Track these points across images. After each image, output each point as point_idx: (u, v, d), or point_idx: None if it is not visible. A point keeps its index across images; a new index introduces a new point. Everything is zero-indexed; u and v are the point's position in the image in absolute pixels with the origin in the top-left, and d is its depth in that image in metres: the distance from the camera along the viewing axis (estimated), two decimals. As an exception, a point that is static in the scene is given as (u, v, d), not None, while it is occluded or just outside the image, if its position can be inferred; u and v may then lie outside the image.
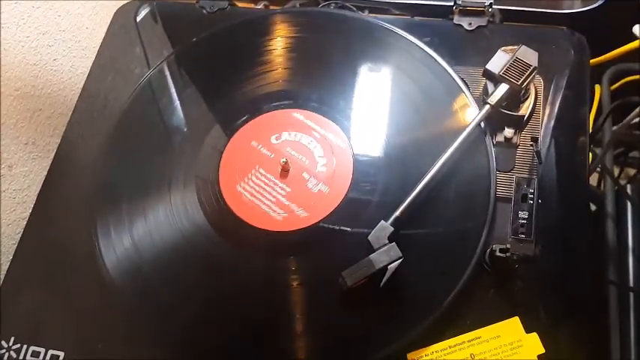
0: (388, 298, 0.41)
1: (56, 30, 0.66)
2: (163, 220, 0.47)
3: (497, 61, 0.46)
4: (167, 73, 0.56)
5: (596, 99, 0.61)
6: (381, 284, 0.40)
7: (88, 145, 0.53)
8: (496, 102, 0.45)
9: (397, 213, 0.42)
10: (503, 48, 0.47)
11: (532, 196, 0.44)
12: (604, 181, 0.60)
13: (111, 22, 0.61)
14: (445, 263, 0.42)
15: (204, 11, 0.59)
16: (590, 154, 0.56)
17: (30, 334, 0.45)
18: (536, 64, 0.46)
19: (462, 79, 0.49)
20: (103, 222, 0.48)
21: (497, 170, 0.45)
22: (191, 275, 0.45)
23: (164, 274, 0.46)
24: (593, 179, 0.67)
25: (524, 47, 0.46)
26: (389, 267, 0.40)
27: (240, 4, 0.61)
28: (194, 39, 0.57)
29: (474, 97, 0.48)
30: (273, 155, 0.49)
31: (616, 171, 0.67)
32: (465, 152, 0.45)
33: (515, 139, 0.47)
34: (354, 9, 0.59)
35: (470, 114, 0.47)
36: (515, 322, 0.40)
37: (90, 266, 0.46)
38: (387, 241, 0.41)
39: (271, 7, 0.63)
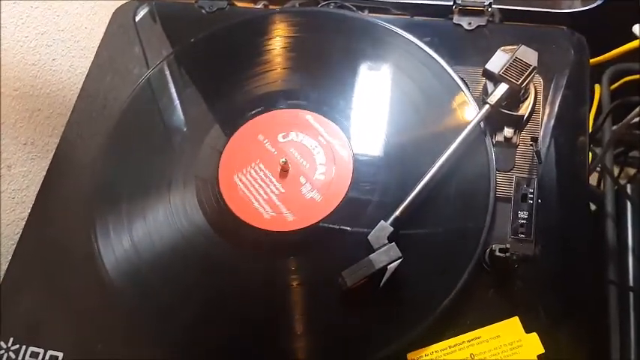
0: (388, 298, 0.41)
1: (55, 30, 0.66)
2: (162, 220, 0.47)
3: (497, 61, 0.46)
4: (166, 73, 0.56)
5: (596, 99, 0.61)
6: (381, 284, 0.40)
7: (87, 145, 0.53)
8: (496, 102, 0.45)
9: (397, 213, 0.42)
10: (502, 48, 0.47)
11: (532, 195, 0.44)
12: (604, 181, 0.60)
13: (110, 22, 0.61)
14: (445, 263, 0.42)
15: (203, 11, 0.59)
16: (590, 153, 0.56)
17: (29, 334, 0.45)
18: (536, 64, 0.46)
19: (462, 79, 0.49)
20: (102, 222, 0.48)
21: (496, 170, 0.45)
22: (190, 275, 0.45)
23: (163, 274, 0.46)
24: (593, 179, 0.67)
25: (523, 47, 0.46)
26: (388, 267, 0.40)
27: (239, 4, 0.61)
28: (193, 39, 0.57)
29: (473, 97, 0.48)
30: (276, 153, 0.49)
31: (616, 171, 0.67)
32: (465, 152, 0.45)
33: (514, 139, 0.47)
34: (354, 9, 0.59)
35: (469, 114, 0.47)
36: (515, 322, 0.40)
37: (89, 266, 0.46)
38: (386, 241, 0.41)
39: (270, 7, 0.63)
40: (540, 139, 0.47)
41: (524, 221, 0.43)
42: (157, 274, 0.46)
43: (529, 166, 0.46)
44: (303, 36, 0.56)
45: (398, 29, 0.53)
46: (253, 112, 0.51)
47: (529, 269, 0.42)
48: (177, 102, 0.54)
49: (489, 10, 0.53)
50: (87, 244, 0.47)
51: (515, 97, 0.46)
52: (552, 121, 0.47)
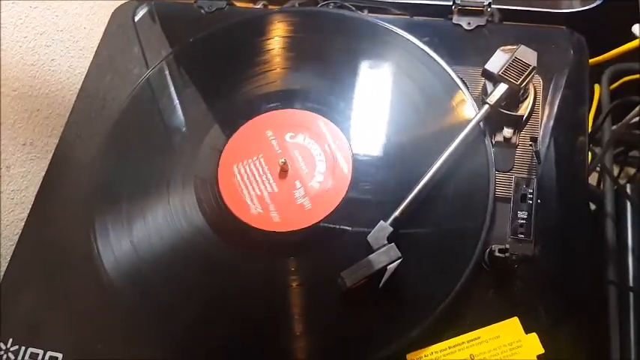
0: (387, 299, 0.41)
1: (54, 30, 0.66)
2: (162, 220, 0.47)
3: (496, 61, 0.46)
4: (165, 73, 0.56)
5: (596, 98, 0.61)
6: (380, 285, 0.39)
7: (86, 146, 0.53)
8: (495, 102, 0.45)
9: (396, 213, 0.42)
10: (502, 48, 0.47)
11: (531, 196, 0.44)
12: (603, 181, 0.60)
13: (109, 22, 0.60)
14: (444, 263, 0.42)
15: (203, 11, 0.59)
16: (590, 153, 0.56)
17: (28, 335, 0.45)
18: (535, 64, 0.46)
19: (461, 79, 0.49)
20: (101, 222, 0.48)
21: (496, 170, 0.45)
22: (190, 275, 0.45)
23: (162, 274, 0.46)
24: (593, 179, 0.67)
25: (523, 47, 0.46)
26: (388, 267, 0.39)
27: (238, 4, 0.61)
28: (192, 39, 0.57)
29: (473, 97, 0.48)
30: (279, 151, 0.49)
31: (616, 170, 0.67)
32: (464, 152, 0.45)
33: (514, 139, 0.47)
34: (353, 9, 0.59)
35: (469, 114, 0.47)
36: (515, 322, 0.40)
37: (88, 267, 0.46)
38: (386, 242, 0.41)
39: (270, 7, 0.63)
40: (540, 139, 0.47)
41: (524, 221, 0.43)
42: (156, 273, 0.46)
43: (528, 166, 0.45)
44: (303, 36, 0.56)
45: (397, 29, 0.53)
46: (269, 106, 0.51)
47: (528, 269, 0.42)
48: (176, 102, 0.54)
49: (489, 10, 0.53)
50: (86, 244, 0.47)
51: (514, 97, 0.46)
52: (552, 121, 0.47)
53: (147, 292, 0.45)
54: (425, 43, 0.51)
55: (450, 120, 0.48)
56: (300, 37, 0.55)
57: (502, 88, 0.45)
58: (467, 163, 0.45)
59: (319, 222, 0.45)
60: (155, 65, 0.56)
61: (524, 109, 0.47)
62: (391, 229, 0.41)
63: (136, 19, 0.60)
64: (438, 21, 0.55)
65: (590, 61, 0.52)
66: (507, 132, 0.46)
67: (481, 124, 0.46)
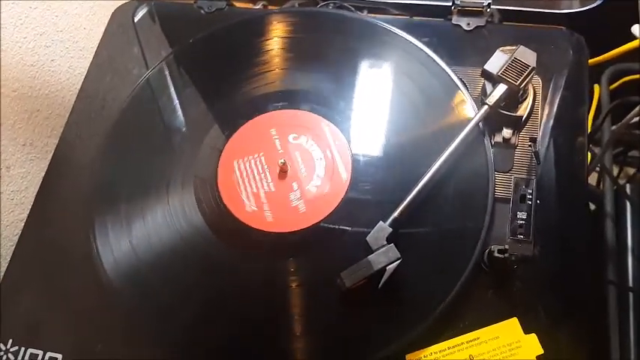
0: (387, 299, 0.41)
1: (54, 30, 0.66)
2: (161, 220, 0.47)
3: (496, 62, 0.46)
4: (165, 73, 0.56)
5: (595, 99, 0.61)
6: (380, 285, 0.39)
7: (85, 146, 0.53)
8: (494, 102, 0.45)
9: (396, 214, 0.42)
10: (501, 48, 0.47)
11: (530, 196, 0.44)
12: (603, 181, 0.60)
13: (109, 23, 0.60)
14: (443, 264, 0.42)
15: (202, 11, 0.59)
16: (589, 153, 0.56)
17: (28, 336, 0.45)
18: (535, 65, 0.46)
19: (461, 80, 0.49)
20: (101, 222, 0.48)
21: (495, 171, 0.45)
22: (189, 275, 0.45)
23: (162, 275, 0.46)
24: (593, 178, 0.67)
25: (522, 47, 0.46)
26: (387, 268, 0.39)
27: (238, 4, 0.61)
28: (192, 39, 0.57)
29: (472, 98, 0.48)
30: (281, 151, 0.49)
31: (615, 170, 0.67)
32: (464, 153, 0.45)
33: (513, 140, 0.47)
34: (353, 9, 0.59)
35: (468, 114, 0.47)
36: (514, 322, 0.40)
37: (88, 267, 0.46)
38: (385, 242, 0.41)
39: (270, 7, 0.63)
40: (539, 139, 0.46)
41: (523, 222, 0.43)
42: (156, 274, 0.46)
43: (528, 166, 0.45)
44: (303, 36, 0.56)
45: (397, 30, 0.53)
46: (277, 104, 0.51)
47: (528, 270, 0.42)
48: (176, 102, 0.54)
49: (488, 10, 0.53)
50: (86, 244, 0.47)
51: (513, 98, 0.46)
52: (551, 122, 0.47)
53: (146, 292, 0.45)
54: (424, 43, 0.51)
55: (449, 120, 0.48)
56: (299, 38, 0.55)
57: (501, 88, 0.45)
58: (466, 164, 0.45)
59: (311, 226, 0.45)
60: (155, 66, 0.56)
61: (523, 110, 0.47)
62: (390, 229, 0.41)
63: (136, 19, 0.60)
64: (438, 21, 0.55)
65: (590, 61, 0.52)
66: (507, 132, 0.46)
67: (480, 124, 0.46)
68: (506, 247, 0.41)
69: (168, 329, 0.44)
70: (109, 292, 0.45)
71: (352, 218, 0.45)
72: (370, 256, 0.40)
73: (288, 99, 0.51)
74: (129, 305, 0.45)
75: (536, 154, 0.45)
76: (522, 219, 0.43)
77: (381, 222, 0.42)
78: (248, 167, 0.48)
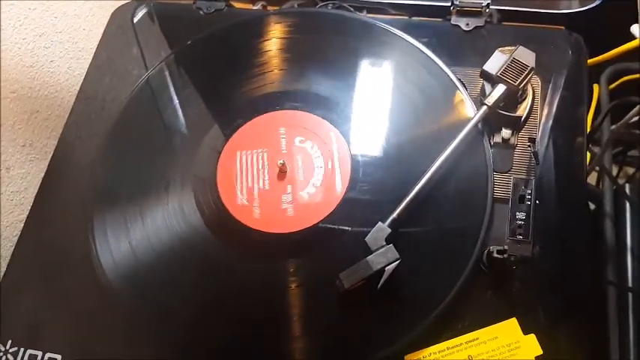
0: (385, 300, 0.41)
1: (53, 31, 0.66)
2: (160, 221, 0.47)
3: (495, 62, 0.46)
4: (165, 74, 0.56)
5: (595, 98, 0.61)
6: (379, 286, 0.39)
7: (85, 147, 0.53)
8: (493, 103, 0.45)
9: (394, 214, 0.42)
10: (500, 48, 0.47)
11: (529, 197, 0.44)
12: (602, 180, 0.60)
13: (108, 24, 0.60)
14: (442, 265, 0.42)
15: (201, 12, 0.59)
16: (589, 153, 0.56)
17: (27, 337, 0.45)
18: (534, 65, 0.45)
19: (460, 80, 0.49)
20: (100, 223, 0.48)
21: (494, 171, 0.45)
22: (189, 276, 0.45)
23: (161, 275, 0.46)
24: (593, 178, 0.67)
25: (521, 48, 0.46)
26: (386, 269, 0.39)
27: (237, 5, 0.61)
28: (191, 40, 0.57)
29: (471, 98, 0.48)
30: (284, 152, 0.48)
31: (615, 170, 0.67)
32: (463, 153, 0.45)
33: (512, 140, 0.46)
34: (352, 9, 0.59)
35: (467, 115, 0.47)
36: (513, 323, 0.40)
37: (87, 268, 0.46)
38: (384, 243, 0.41)
39: (269, 8, 0.63)
40: (538, 139, 0.46)
41: (522, 222, 0.43)
42: (155, 275, 0.46)
43: (527, 167, 0.45)
44: (302, 37, 0.55)
45: (396, 30, 0.53)
46: (295, 104, 0.51)
47: (527, 270, 0.42)
48: (175, 103, 0.54)
49: (487, 10, 0.53)
50: (85, 245, 0.47)
51: (512, 98, 0.46)
52: (550, 122, 0.47)
53: (145, 293, 0.45)
54: (423, 43, 0.51)
55: (448, 121, 0.48)
56: (298, 38, 0.55)
57: (500, 89, 0.45)
58: (465, 164, 0.45)
59: (295, 232, 0.44)
60: (155, 67, 0.56)
61: (522, 110, 0.47)
62: (389, 230, 0.41)
63: (135, 20, 0.60)
64: (437, 22, 0.55)
65: (589, 61, 0.52)
66: (506, 133, 0.46)
67: (479, 124, 0.46)
68: (506, 247, 0.41)
69: (167, 329, 0.44)
70: (109, 292, 0.45)
71: (352, 218, 0.45)
72: (369, 257, 0.40)
73: (288, 99, 0.51)
74: (128, 306, 0.45)
75: (536, 154, 0.45)
76: (521, 219, 0.43)
77: (380, 222, 0.42)
78: (249, 161, 0.48)
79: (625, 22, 0.53)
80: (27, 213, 0.51)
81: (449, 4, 0.54)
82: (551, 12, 0.56)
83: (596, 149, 0.60)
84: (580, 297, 0.41)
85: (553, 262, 0.42)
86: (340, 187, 0.46)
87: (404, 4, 0.59)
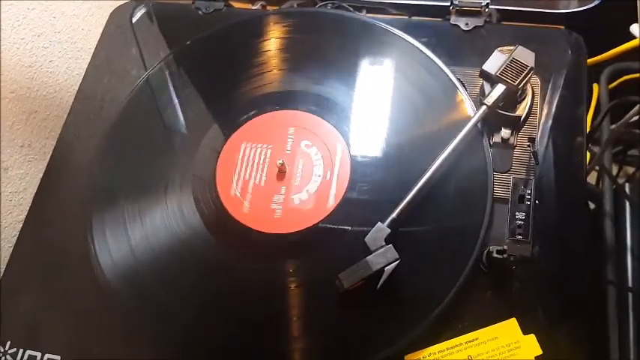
0: (385, 300, 0.41)
1: (51, 32, 0.66)
2: (159, 221, 0.47)
3: (494, 62, 0.46)
4: (164, 74, 0.56)
5: (595, 98, 0.61)
6: (378, 286, 0.39)
7: (84, 147, 0.53)
8: (493, 103, 0.45)
9: (394, 215, 0.42)
10: (499, 48, 0.47)
11: (529, 197, 0.44)
12: (602, 180, 0.60)
13: (106, 24, 0.60)
14: (442, 265, 0.42)
15: (200, 12, 0.59)
16: (589, 152, 0.55)
17: (26, 337, 0.45)
18: (533, 65, 0.45)
19: (459, 80, 0.49)
20: (99, 223, 0.48)
21: (494, 171, 0.45)
22: (188, 276, 0.45)
23: (160, 275, 0.46)
24: (592, 178, 0.67)
25: (520, 47, 0.46)
26: (386, 269, 0.39)
27: (236, 5, 0.61)
28: (190, 40, 0.56)
29: (470, 98, 0.48)
30: (289, 152, 0.48)
31: (615, 169, 0.67)
32: (462, 153, 0.45)
33: (512, 140, 0.46)
34: (351, 9, 0.59)
35: (467, 115, 0.47)
36: (513, 323, 0.40)
37: (86, 268, 0.46)
38: (383, 243, 0.41)
39: (268, 8, 0.63)
40: (538, 139, 0.46)
41: (522, 222, 0.43)
42: (154, 275, 0.46)
43: (526, 167, 0.45)
44: (301, 37, 0.55)
45: (395, 30, 0.53)
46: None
47: (527, 270, 0.42)
48: (174, 103, 0.54)
49: (486, 10, 0.53)
50: (84, 245, 0.47)
51: (512, 98, 0.46)
52: (550, 122, 0.47)
53: (144, 293, 0.45)
54: (423, 43, 0.51)
55: (447, 121, 0.48)
56: (297, 38, 0.55)
57: (500, 88, 0.45)
58: (465, 164, 0.45)
59: (276, 234, 0.44)
60: (154, 67, 0.56)
61: (522, 110, 0.47)
62: (389, 230, 0.41)
63: (134, 20, 0.60)
64: (436, 21, 0.55)
65: (589, 60, 0.52)
66: (505, 133, 0.46)
67: (479, 124, 0.46)
68: (505, 247, 0.41)
69: (166, 329, 0.44)
70: (108, 292, 0.45)
71: (351, 218, 0.45)
72: (369, 257, 0.40)
73: (288, 99, 0.51)
74: (127, 306, 0.45)
75: (535, 154, 0.45)
76: (521, 219, 0.43)
77: (379, 223, 0.42)
78: (252, 154, 0.48)
79: (624, 21, 0.53)
80: (26, 213, 0.51)
81: (448, 3, 0.54)
82: (551, 12, 0.56)
83: (596, 149, 0.60)
84: (580, 297, 0.41)
85: (553, 262, 0.42)
86: (332, 200, 0.46)
87: (403, 3, 0.59)
